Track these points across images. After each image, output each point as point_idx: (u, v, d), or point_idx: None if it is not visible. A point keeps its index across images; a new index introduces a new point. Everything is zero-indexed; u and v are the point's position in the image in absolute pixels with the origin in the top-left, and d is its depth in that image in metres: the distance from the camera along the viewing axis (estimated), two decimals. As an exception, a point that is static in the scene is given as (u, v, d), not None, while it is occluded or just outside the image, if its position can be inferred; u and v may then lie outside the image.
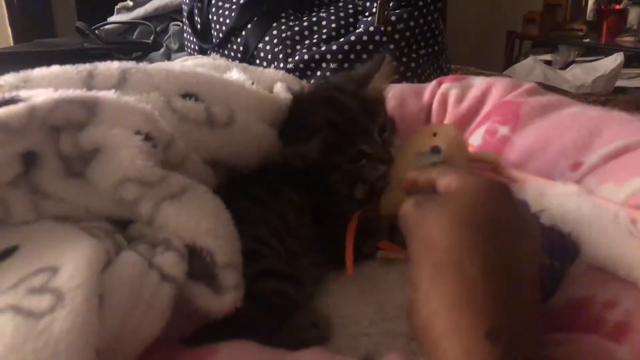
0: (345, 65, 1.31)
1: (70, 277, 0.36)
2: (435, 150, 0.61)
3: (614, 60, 1.77)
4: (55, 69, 0.53)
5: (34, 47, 1.63)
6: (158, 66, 0.58)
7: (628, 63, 2.91)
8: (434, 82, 0.93)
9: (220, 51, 1.50)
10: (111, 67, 0.55)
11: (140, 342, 0.39)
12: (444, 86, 0.90)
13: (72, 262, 0.38)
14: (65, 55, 1.56)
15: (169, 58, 1.87)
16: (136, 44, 1.77)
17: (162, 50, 1.80)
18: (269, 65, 1.39)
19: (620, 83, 2.58)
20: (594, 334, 0.41)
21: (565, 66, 2.94)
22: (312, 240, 0.61)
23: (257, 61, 1.42)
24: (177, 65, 0.62)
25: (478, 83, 0.87)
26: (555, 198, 0.53)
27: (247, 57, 1.45)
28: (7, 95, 0.45)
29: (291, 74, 1.32)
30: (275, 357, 0.40)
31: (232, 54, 1.48)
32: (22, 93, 0.45)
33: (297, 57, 1.35)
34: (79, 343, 0.33)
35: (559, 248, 0.52)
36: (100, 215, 0.48)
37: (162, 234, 0.45)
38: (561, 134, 0.69)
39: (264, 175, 0.63)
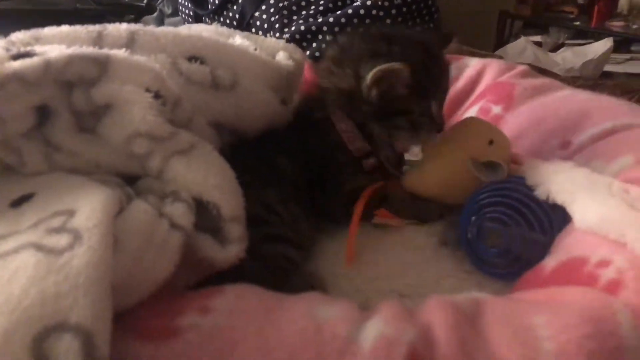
0: (342, 37, 1.32)
1: (86, 219, 0.39)
2: (495, 167, 0.62)
3: (604, 45, 1.80)
4: (65, 28, 0.55)
5: (27, 5, 1.62)
6: (165, 29, 0.60)
7: (617, 48, 2.94)
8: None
9: (216, 18, 1.50)
10: (120, 28, 0.57)
11: (152, 283, 0.41)
12: (439, 65, 0.93)
13: (87, 205, 0.40)
14: (57, 14, 1.55)
15: (161, 22, 1.86)
16: (129, 6, 1.76)
17: (155, 14, 1.79)
18: (264, 35, 1.40)
19: (608, 68, 2.60)
20: (590, 288, 0.44)
21: (555, 48, 2.96)
22: (309, 207, 0.64)
23: (253, 30, 1.43)
24: (183, 28, 0.64)
25: (473, 63, 0.90)
26: (551, 173, 0.56)
27: (243, 26, 1.45)
28: (22, 49, 0.46)
29: (287, 45, 1.33)
30: (277, 298, 0.43)
31: (228, 21, 1.48)
32: (37, 48, 0.47)
33: (293, 28, 1.35)
34: (96, 277, 0.36)
35: (546, 221, 0.55)
36: (110, 170, 0.50)
37: (170, 188, 0.48)
38: (552, 114, 0.72)
39: (263, 146, 0.66)
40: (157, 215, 0.44)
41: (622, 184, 0.49)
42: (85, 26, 0.56)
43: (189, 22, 1.63)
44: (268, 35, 1.39)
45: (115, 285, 0.37)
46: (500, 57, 1.88)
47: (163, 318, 0.40)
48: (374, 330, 0.39)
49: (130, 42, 0.56)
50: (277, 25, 1.38)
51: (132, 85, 0.48)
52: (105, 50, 0.49)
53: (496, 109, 0.79)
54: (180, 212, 0.45)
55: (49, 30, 0.55)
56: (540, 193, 0.55)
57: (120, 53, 0.50)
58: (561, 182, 0.53)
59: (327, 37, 1.32)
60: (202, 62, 0.59)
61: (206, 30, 0.71)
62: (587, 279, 0.45)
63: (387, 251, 0.62)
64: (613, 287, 0.42)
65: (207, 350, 0.37)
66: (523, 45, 1.80)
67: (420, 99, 0.65)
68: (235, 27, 1.45)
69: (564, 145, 0.68)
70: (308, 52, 1.35)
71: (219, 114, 0.61)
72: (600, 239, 0.47)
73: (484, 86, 0.85)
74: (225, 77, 0.60)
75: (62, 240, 0.37)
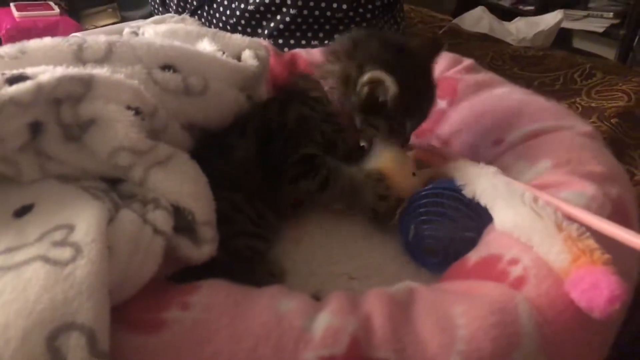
0: (305, 12, 1.37)
1: (85, 234, 0.46)
2: None
3: (555, 17, 1.88)
4: (48, 41, 0.60)
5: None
6: (140, 40, 0.65)
7: (575, 4, 3.04)
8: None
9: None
10: (98, 40, 0.62)
11: (139, 283, 0.49)
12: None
13: (84, 221, 0.47)
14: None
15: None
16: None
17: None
18: (229, 4, 1.43)
19: (566, 25, 2.70)
20: (500, 283, 0.54)
21: (516, 2, 3.03)
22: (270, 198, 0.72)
23: (218, 0, 1.45)
24: (155, 37, 0.69)
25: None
26: (477, 176, 0.65)
27: (209, -4, 1.48)
28: (15, 72, 0.52)
29: (251, 17, 1.38)
30: (245, 291, 0.52)
31: (194, -9, 1.50)
32: (29, 70, 0.53)
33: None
34: (96, 285, 0.43)
35: (475, 219, 0.64)
36: (95, 175, 0.57)
37: (151, 194, 0.55)
38: (489, 111, 0.81)
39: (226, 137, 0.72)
40: (141, 223, 0.51)
41: (532, 194, 0.58)
42: (66, 39, 0.61)
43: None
44: (233, 4, 1.42)
45: (110, 288, 0.45)
46: (457, 25, 1.96)
47: (151, 313, 0.48)
48: (323, 321, 0.48)
49: (108, 54, 0.62)
50: (242, -5, 1.41)
51: (114, 103, 0.54)
52: (89, 70, 0.55)
53: (442, 104, 0.87)
54: (162, 219, 0.52)
55: (34, 43, 0.60)
56: (467, 192, 0.64)
57: (103, 72, 0.55)
58: (484, 187, 0.62)
59: (291, 11, 1.37)
60: (174, 71, 0.65)
61: (175, 31, 0.76)
62: (500, 274, 0.54)
63: (339, 239, 0.71)
64: (519, 282, 0.52)
65: (189, 340, 0.46)
66: (479, 15, 1.88)
67: (402, 114, 0.72)
68: (201, -2, 1.48)
69: (498, 142, 0.77)
70: (272, 24, 1.40)
71: (192, 116, 0.67)
72: (514, 240, 0.56)
73: (433, 80, 0.93)
74: (196, 84, 0.66)
75: (65, 253, 0.44)
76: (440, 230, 0.66)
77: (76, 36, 0.64)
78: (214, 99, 0.68)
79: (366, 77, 0.69)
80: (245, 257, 0.63)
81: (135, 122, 0.54)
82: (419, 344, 0.47)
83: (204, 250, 0.55)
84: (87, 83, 0.54)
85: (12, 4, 1.59)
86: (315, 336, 0.46)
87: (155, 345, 0.45)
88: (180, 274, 0.56)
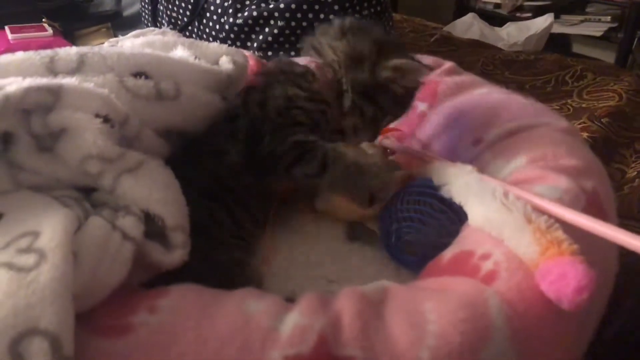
0: (292, 23, 1.38)
1: (50, 240, 0.46)
2: None
3: (545, 20, 1.89)
4: (19, 55, 0.61)
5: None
6: (111, 49, 0.66)
7: (572, 9, 3.05)
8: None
9: (171, 1, 1.55)
10: (70, 52, 0.63)
11: (107, 288, 0.49)
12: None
13: (50, 227, 0.47)
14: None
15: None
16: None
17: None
18: (219, 19, 1.45)
19: (561, 29, 2.70)
20: (471, 278, 0.54)
21: (513, 10, 3.06)
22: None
23: (208, 14, 1.47)
24: (127, 47, 0.70)
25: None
26: (453, 175, 0.65)
27: (198, 10, 1.49)
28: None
29: (240, 30, 1.39)
30: (215, 294, 0.51)
31: (183, 4, 1.52)
32: (-5, 82, 0.53)
33: (246, 13, 1.40)
34: (60, 290, 0.43)
35: (452, 217, 0.64)
36: (69, 185, 0.57)
37: (122, 202, 0.55)
38: (468, 112, 0.81)
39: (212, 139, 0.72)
40: (110, 229, 0.51)
41: (502, 190, 0.58)
42: (37, 52, 0.62)
43: (145, 9, 1.67)
44: (222, 19, 1.44)
45: (76, 292, 0.45)
46: (449, 33, 1.97)
47: (118, 317, 0.48)
48: (291, 321, 0.48)
49: (80, 65, 0.62)
50: (230, 10, 1.43)
51: (83, 112, 0.54)
52: (58, 80, 0.56)
53: (422, 107, 0.87)
54: (131, 224, 0.53)
55: (4, 58, 0.60)
56: (444, 192, 0.64)
57: (72, 81, 0.56)
58: (459, 185, 0.62)
59: (279, 23, 1.38)
60: (146, 77, 0.65)
61: (151, 43, 0.77)
62: (472, 269, 0.54)
63: (318, 242, 0.71)
64: (490, 276, 0.52)
65: (155, 343, 0.45)
66: (470, 21, 1.89)
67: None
68: (190, 11, 1.50)
69: (477, 142, 0.77)
70: (261, 37, 1.41)
71: (166, 121, 0.67)
72: (486, 235, 0.56)
73: (414, 83, 0.93)
74: (168, 88, 0.66)
75: (30, 259, 0.44)
76: (420, 229, 0.67)
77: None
78: (188, 102, 0.68)
79: (395, 62, 0.70)
80: (226, 269, 0.62)
81: (104, 130, 0.55)
82: (388, 341, 0.47)
83: (176, 255, 0.55)
84: (56, 93, 0.54)
85: (6, 27, 1.62)
86: (283, 336, 0.46)
87: (121, 349, 0.45)
88: (151, 282, 0.56)
